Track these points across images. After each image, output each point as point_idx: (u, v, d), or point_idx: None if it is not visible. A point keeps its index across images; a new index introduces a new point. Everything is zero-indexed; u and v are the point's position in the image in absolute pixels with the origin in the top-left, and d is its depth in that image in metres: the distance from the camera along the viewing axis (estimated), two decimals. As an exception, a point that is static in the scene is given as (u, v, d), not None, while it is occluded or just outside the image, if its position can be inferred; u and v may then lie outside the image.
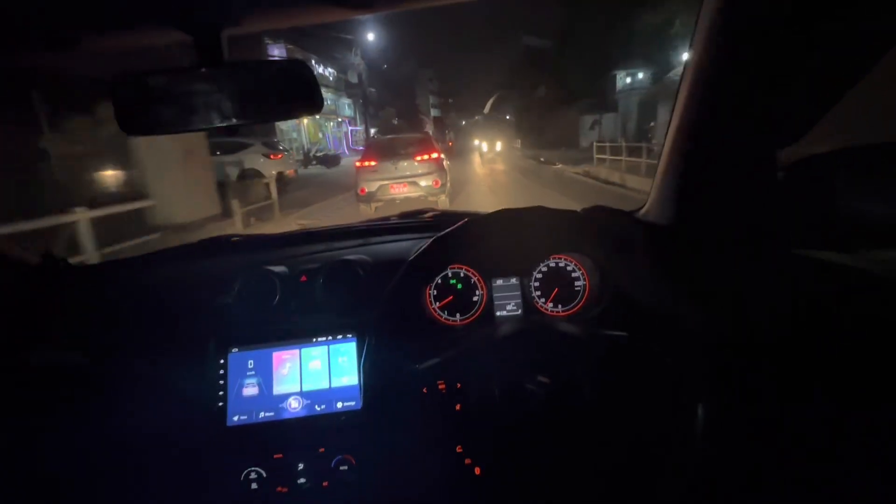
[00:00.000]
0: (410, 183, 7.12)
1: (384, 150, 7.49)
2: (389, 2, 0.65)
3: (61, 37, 0.66)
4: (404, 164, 7.19)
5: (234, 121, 0.72)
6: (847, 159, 0.70)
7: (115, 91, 0.64)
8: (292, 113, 0.77)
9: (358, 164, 7.33)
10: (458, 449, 0.76)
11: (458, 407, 0.78)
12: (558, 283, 0.97)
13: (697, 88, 0.78)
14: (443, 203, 7.39)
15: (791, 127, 0.75)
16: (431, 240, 0.89)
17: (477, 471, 0.75)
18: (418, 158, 7.22)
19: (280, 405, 0.84)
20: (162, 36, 0.70)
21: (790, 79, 0.70)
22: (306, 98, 0.74)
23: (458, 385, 0.78)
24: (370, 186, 7.12)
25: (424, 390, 0.78)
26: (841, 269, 0.75)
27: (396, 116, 44.75)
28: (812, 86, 0.71)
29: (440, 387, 0.79)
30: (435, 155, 7.34)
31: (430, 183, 7.19)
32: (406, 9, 0.70)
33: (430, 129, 39.94)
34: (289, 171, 11.97)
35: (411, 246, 0.95)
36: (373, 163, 7.19)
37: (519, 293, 0.98)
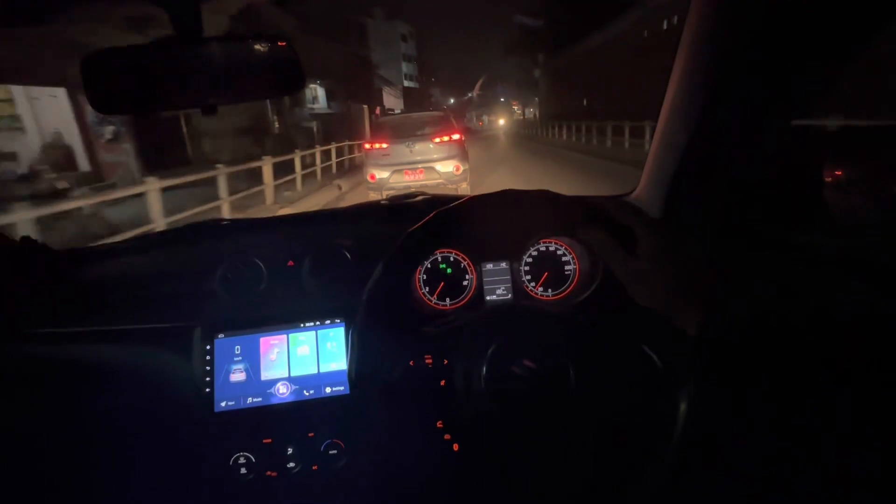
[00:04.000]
0: (427, 168, 6.20)
1: (397, 129, 6.49)
2: None
3: (34, 10, 0.65)
4: (420, 146, 6.21)
5: (212, 100, 0.70)
6: (838, 149, 0.69)
7: (86, 67, 0.62)
8: (273, 92, 0.74)
9: (367, 146, 6.45)
10: (439, 424, 0.75)
11: (442, 382, 0.76)
12: (548, 267, 0.96)
13: (687, 75, 0.77)
14: (463, 191, 6.32)
15: (781, 114, 0.74)
16: (418, 223, 0.86)
17: (455, 447, 0.74)
18: (437, 140, 6.22)
19: (268, 391, 0.84)
20: (134, 6, 0.68)
21: (780, 66, 0.68)
22: (288, 76, 0.71)
23: (445, 361, 0.77)
24: (381, 172, 6.23)
25: (411, 363, 0.77)
26: (828, 257, 0.74)
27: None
28: (802, 74, 0.69)
29: (427, 360, 0.77)
30: (456, 136, 6.35)
31: (450, 169, 6.22)
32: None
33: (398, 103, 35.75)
34: None
35: (402, 229, 0.93)
36: (384, 145, 6.24)
37: (509, 277, 0.96)
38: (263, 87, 0.73)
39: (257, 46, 0.71)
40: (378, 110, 26.05)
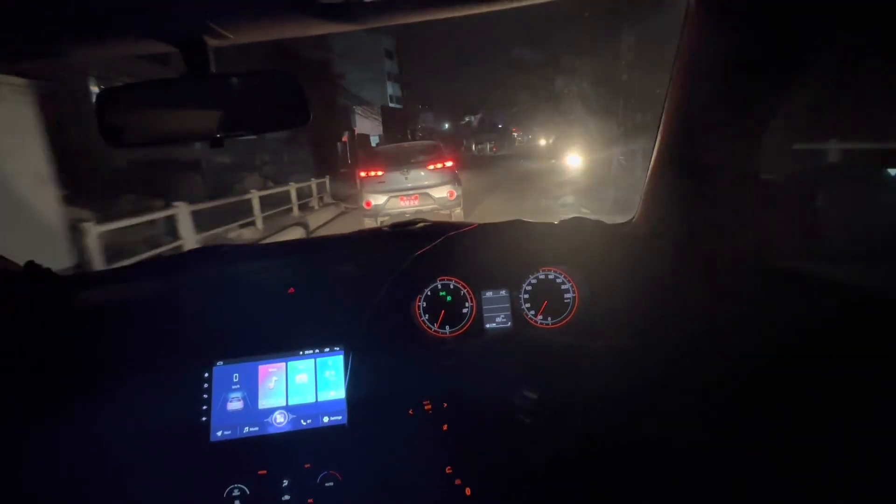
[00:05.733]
0: (422, 195, 6.44)
1: (392, 158, 6.81)
2: (372, 17, 0.65)
3: (51, 47, 0.68)
4: (415, 173, 6.48)
5: (221, 133, 0.72)
6: (830, 174, 0.71)
7: (101, 103, 0.65)
8: (279, 125, 0.77)
9: (363, 174, 6.67)
10: (448, 470, 0.74)
11: (444, 427, 0.76)
12: (548, 295, 0.96)
13: (681, 104, 0.79)
14: (457, 216, 6.69)
15: (776, 140, 0.76)
16: (419, 252, 0.88)
17: (468, 491, 0.73)
18: (430, 167, 6.53)
19: (265, 420, 0.83)
20: (150, 47, 0.71)
21: (772, 94, 0.70)
22: (294, 109, 0.74)
23: (445, 405, 0.77)
24: (376, 199, 6.46)
25: (411, 412, 0.77)
26: (823, 283, 0.75)
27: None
28: (795, 100, 0.72)
29: (426, 407, 0.77)
30: (449, 163, 6.66)
31: (444, 195, 6.47)
32: (390, 24, 0.70)
33: (376, 128, 29.30)
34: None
35: (402, 257, 0.94)
36: (379, 172, 6.50)
37: (508, 305, 0.96)
38: (269, 121, 0.76)
39: (263, 81, 0.75)
40: (345, 137, 21.78)
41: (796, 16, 0.62)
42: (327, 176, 12.13)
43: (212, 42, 0.69)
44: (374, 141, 28.93)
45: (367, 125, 29.17)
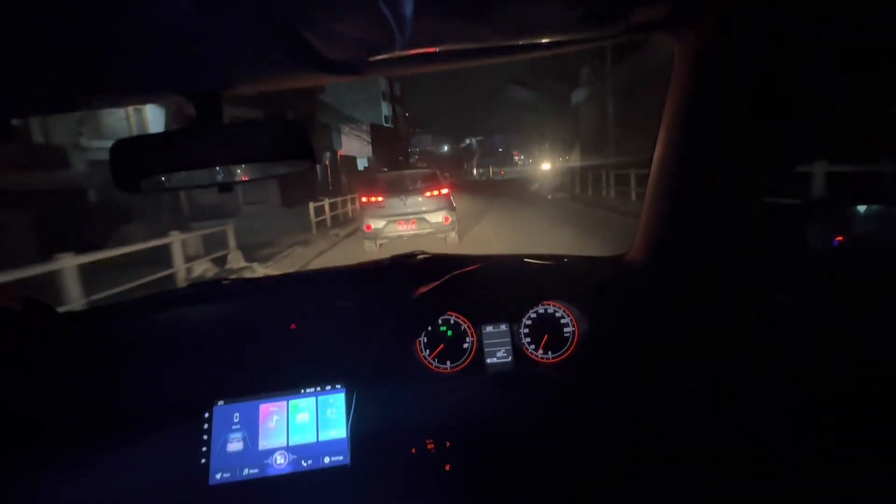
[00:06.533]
0: (419, 219, 6.96)
1: (391, 184, 7.36)
2: (374, 69, 0.69)
3: (71, 98, 0.71)
4: (412, 199, 7.03)
5: (229, 179, 0.75)
6: (820, 209, 0.72)
7: (115, 152, 0.67)
8: (284, 169, 0.79)
9: (364, 199, 7.22)
10: None
11: (447, 467, 0.75)
12: (548, 329, 0.97)
13: (673, 140, 0.80)
14: (451, 240, 7.27)
15: (769, 175, 0.77)
16: (424, 290, 0.89)
17: None
18: (427, 194, 7.08)
19: (265, 461, 0.82)
20: (165, 97, 0.74)
21: (764, 125, 0.72)
22: (299, 154, 0.77)
23: (448, 444, 0.77)
24: (376, 223, 6.98)
25: (413, 451, 0.76)
26: (817, 317, 0.76)
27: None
28: (789, 130, 0.73)
29: (429, 446, 0.77)
30: (445, 191, 7.21)
31: (439, 220, 7.01)
32: (395, 74, 0.74)
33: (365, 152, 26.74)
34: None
35: (404, 290, 0.96)
36: (379, 198, 7.06)
37: (509, 340, 0.97)
38: (275, 165, 0.79)
39: (270, 128, 0.78)
40: (327, 160, 19.87)
41: (781, 48, 0.65)
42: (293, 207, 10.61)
43: (224, 92, 0.72)
44: (361, 164, 26.51)
45: (354, 146, 26.36)
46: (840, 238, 0.77)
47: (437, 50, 0.61)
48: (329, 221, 11.34)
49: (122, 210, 8.30)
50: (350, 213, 13.41)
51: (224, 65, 0.66)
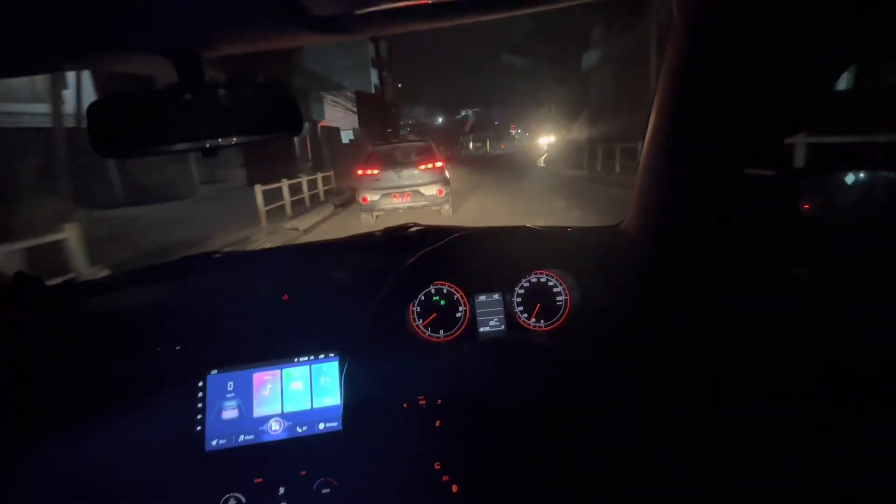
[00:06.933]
0: (413, 192, 7.05)
1: (386, 158, 7.42)
2: (362, 27, 0.65)
3: (45, 61, 0.67)
4: (407, 172, 7.10)
5: (213, 142, 0.72)
6: (813, 177, 0.72)
7: (92, 113, 0.64)
8: (269, 133, 0.77)
9: (360, 172, 7.26)
10: (437, 466, 0.75)
11: (437, 423, 0.77)
12: (540, 298, 0.98)
13: (668, 109, 0.80)
14: (445, 212, 7.39)
15: (760, 143, 0.77)
16: (414, 258, 0.89)
17: (454, 488, 0.74)
18: (421, 167, 7.16)
19: (260, 428, 0.83)
20: (143, 59, 0.71)
21: (758, 96, 0.71)
22: (285, 119, 0.74)
23: (439, 401, 0.78)
24: (372, 195, 7.07)
25: (405, 406, 0.78)
26: (807, 286, 0.76)
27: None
28: (780, 101, 0.73)
29: (420, 402, 0.78)
30: (439, 164, 7.29)
31: (433, 192, 7.12)
32: (380, 34, 0.70)
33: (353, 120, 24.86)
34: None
35: (396, 262, 0.95)
36: (375, 171, 7.12)
37: (502, 309, 0.98)
38: (260, 129, 0.76)
39: (255, 91, 0.74)
40: (307, 133, 17.80)
41: (778, 17, 0.63)
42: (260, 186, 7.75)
43: (204, 53, 0.68)
44: (346, 137, 24.34)
45: (338, 116, 24.19)
46: (807, 206, 0.77)
47: (430, 1, 0.58)
48: (289, 209, 8.57)
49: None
50: (322, 197, 10.71)
51: (204, 23, 0.62)
